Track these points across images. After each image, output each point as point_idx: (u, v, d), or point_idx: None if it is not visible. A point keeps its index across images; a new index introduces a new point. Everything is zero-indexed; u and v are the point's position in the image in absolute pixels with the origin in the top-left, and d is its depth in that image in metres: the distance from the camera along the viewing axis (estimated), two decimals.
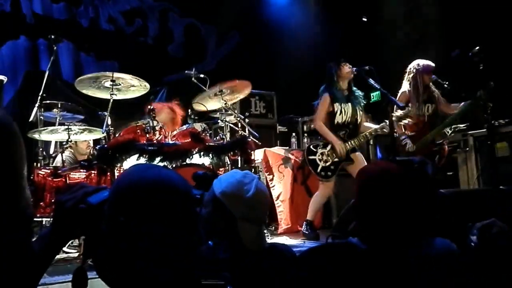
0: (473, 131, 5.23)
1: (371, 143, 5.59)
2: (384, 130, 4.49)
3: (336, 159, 4.45)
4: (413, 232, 1.40)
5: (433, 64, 4.57)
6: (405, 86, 4.63)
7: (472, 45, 4.54)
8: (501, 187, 3.20)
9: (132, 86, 3.89)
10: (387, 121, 4.37)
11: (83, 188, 1.08)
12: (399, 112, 4.34)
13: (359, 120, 4.60)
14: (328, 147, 4.47)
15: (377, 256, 1.38)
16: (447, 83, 4.53)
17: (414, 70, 4.57)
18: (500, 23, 5.74)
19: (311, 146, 4.57)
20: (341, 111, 4.47)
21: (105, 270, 1.00)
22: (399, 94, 4.62)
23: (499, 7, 5.81)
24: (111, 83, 3.74)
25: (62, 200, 1.07)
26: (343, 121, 4.51)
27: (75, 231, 1.07)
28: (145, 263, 0.94)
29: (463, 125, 5.29)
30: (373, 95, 7.22)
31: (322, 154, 4.47)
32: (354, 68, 4.41)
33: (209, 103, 4.37)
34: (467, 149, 5.25)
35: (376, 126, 4.58)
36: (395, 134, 4.58)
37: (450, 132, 4.68)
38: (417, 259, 1.36)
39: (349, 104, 4.51)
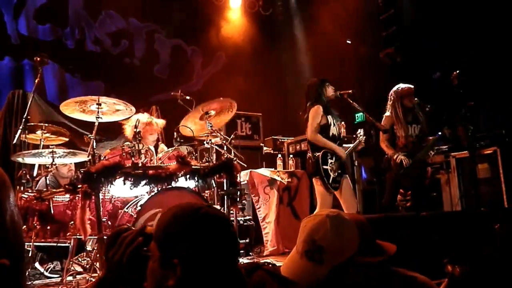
0: (455, 153, 5.33)
1: (356, 164, 5.64)
2: (363, 143, 4.50)
3: (339, 171, 4.36)
4: None
5: (412, 87, 4.67)
6: (389, 111, 4.72)
7: (452, 68, 4.67)
8: (482, 209, 3.24)
9: (118, 111, 3.87)
10: (360, 135, 4.49)
11: None
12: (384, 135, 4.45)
13: (342, 136, 4.61)
14: (334, 159, 4.34)
15: None
16: (429, 106, 4.62)
17: (393, 97, 4.70)
18: (481, 44, 5.89)
19: (322, 156, 4.29)
20: (334, 124, 4.43)
21: None
22: (383, 118, 4.71)
23: (480, 28, 5.96)
24: (97, 106, 3.71)
25: None
26: (337, 134, 4.45)
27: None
28: None
29: (445, 146, 5.40)
30: (357, 116, 7.33)
31: (332, 164, 4.32)
32: (338, 92, 4.47)
33: (196, 126, 4.33)
34: (450, 170, 5.34)
35: (355, 144, 4.55)
36: (386, 155, 4.65)
37: (432, 153, 4.76)
38: None
39: (336, 119, 4.50)
